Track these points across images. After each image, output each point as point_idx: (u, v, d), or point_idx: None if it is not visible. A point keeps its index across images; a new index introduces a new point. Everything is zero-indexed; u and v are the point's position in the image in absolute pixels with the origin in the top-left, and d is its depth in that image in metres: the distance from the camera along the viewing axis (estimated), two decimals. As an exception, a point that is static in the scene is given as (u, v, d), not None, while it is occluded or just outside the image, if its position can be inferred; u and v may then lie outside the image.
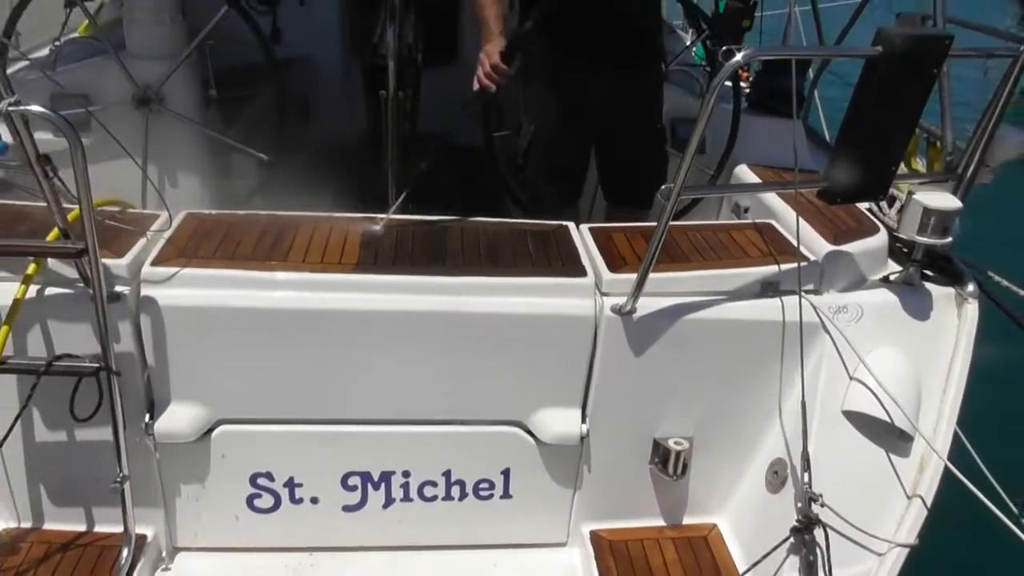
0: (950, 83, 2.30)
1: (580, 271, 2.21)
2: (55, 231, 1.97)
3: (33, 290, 2.02)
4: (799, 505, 2.07)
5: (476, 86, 2.51)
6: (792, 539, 2.04)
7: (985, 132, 2.12)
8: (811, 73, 3.70)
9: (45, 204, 1.91)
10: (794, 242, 2.27)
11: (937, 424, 2.19)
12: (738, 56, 1.85)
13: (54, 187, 1.87)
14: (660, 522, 2.42)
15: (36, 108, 1.76)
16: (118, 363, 2.00)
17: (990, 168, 2.23)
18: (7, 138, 2.58)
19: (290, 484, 2.27)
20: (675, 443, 2.27)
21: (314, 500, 2.30)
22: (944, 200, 2.17)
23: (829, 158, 2.11)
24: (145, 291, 2.05)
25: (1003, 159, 2.23)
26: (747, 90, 3.41)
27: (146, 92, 3.01)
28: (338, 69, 4.56)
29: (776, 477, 2.27)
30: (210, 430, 2.18)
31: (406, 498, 2.31)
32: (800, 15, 4.30)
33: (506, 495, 2.34)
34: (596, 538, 2.37)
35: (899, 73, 1.89)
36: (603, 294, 2.16)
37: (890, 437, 2.17)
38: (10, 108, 1.73)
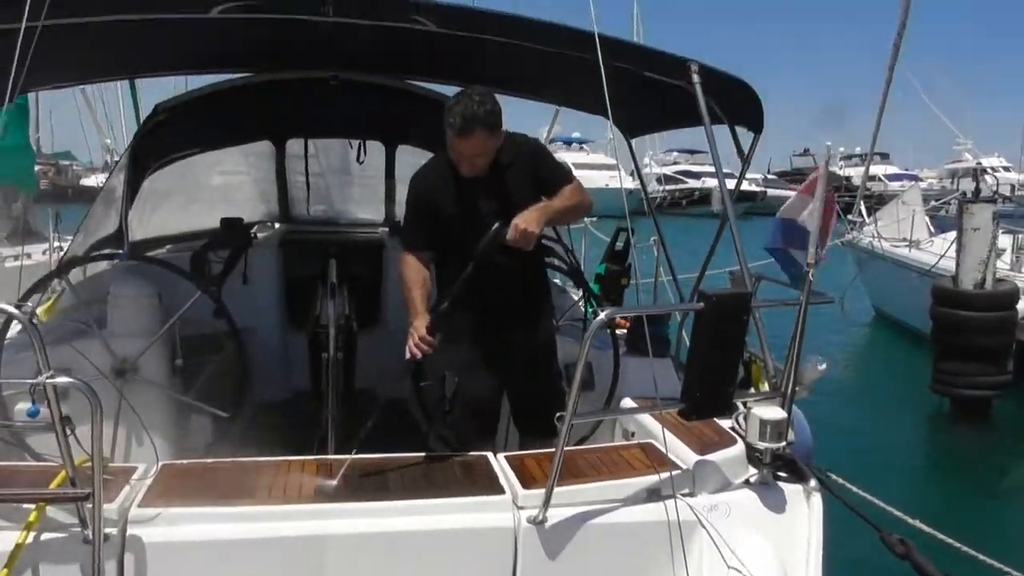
0: (763, 325, 3.07)
1: (499, 490, 2.70)
2: (59, 478, 2.36)
3: (31, 536, 2.35)
4: None
5: (408, 355, 3.06)
6: None
7: (792, 361, 2.84)
8: (678, 319, 4.53)
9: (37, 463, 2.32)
10: (671, 456, 2.84)
11: None
12: (601, 315, 2.54)
13: (68, 443, 2.30)
14: None
15: (67, 380, 2.25)
16: None
17: (804, 386, 2.93)
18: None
19: None
20: (591, 639, 2.64)
21: None
22: (774, 412, 2.83)
23: (682, 386, 2.75)
24: (132, 531, 2.40)
25: (812, 379, 2.94)
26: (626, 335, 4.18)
27: (124, 364, 3.51)
28: (279, 337, 5.16)
29: (679, 657, 2.64)
30: None
31: None
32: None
33: None
34: None
35: (719, 321, 2.61)
36: (519, 508, 2.63)
37: None
38: (47, 380, 2.22)
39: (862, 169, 17.20)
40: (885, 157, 49.26)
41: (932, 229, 13.44)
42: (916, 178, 43.86)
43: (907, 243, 12.74)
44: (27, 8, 2.63)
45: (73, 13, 3.09)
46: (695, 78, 3.46)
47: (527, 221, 2.98)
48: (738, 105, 3.90)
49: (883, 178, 44.38)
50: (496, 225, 2.98)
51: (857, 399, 9.85)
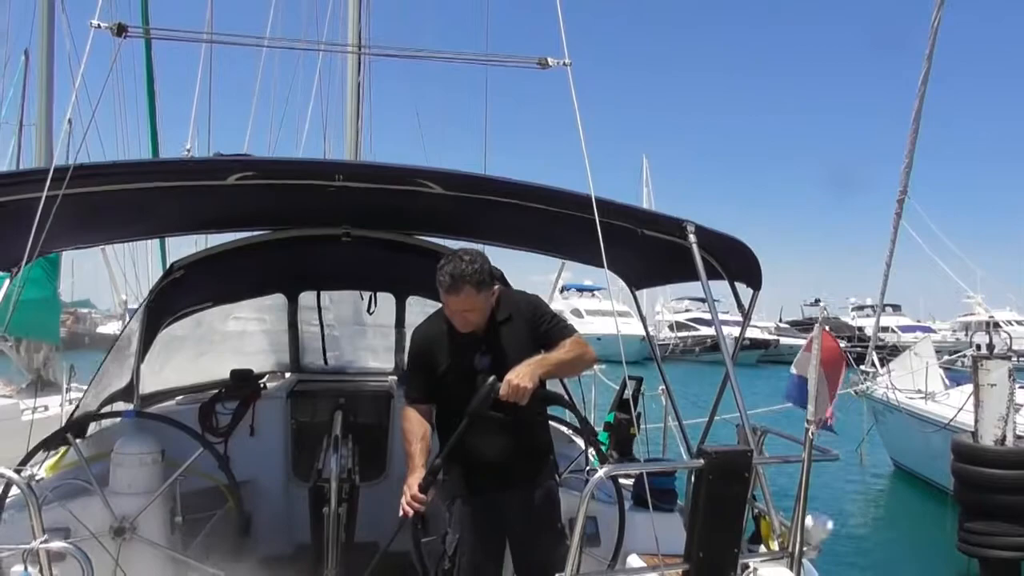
0: (766, 480, 3.04)
1: None
2: None
3: None
4: None
5: (401, 512, 3.09)
6: None
7: (798, 521, 2.79)
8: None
9: None
10: None
11: None
12: (600, 472, 2.54)
13: None
14: None
15: (61, 544, 2.25)
16: None
17: (812, 546, 2.86)
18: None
19: None
20: None
21: None
22: (781, 575, 2.75)
23: (685, 545, 2.70)
24: None
25: (819, 539, 2.87)
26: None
27: (122, 523, 3.48)
28: (283, 490, 5.11)
29: None
30: None
31: None
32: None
33: None
34: None
35: (719, 477, 2.60)
36: None
37: None
38: (40, 546, 2.22)
39: (874, 319, 17.27)
40: (897, 308, 49.56)
41: (947, 381, 13.31)
42: (929, 330, 43.89)
43: (922, 395, 12.59)
44: (49, 179, 2.82)
45: (92, 183, 3.29)
46: (691, 238, 3.60)
47: (520, 376, 3.02)
48: (736, 263, 4.02)
49: (896, 329, 44.43)
50: (490, 380, 3.03)
51: (881, 557, 9.44)
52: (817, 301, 59.35)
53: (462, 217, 4.63)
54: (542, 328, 3.28)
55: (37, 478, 3.78)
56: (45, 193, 2.81)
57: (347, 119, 7.68)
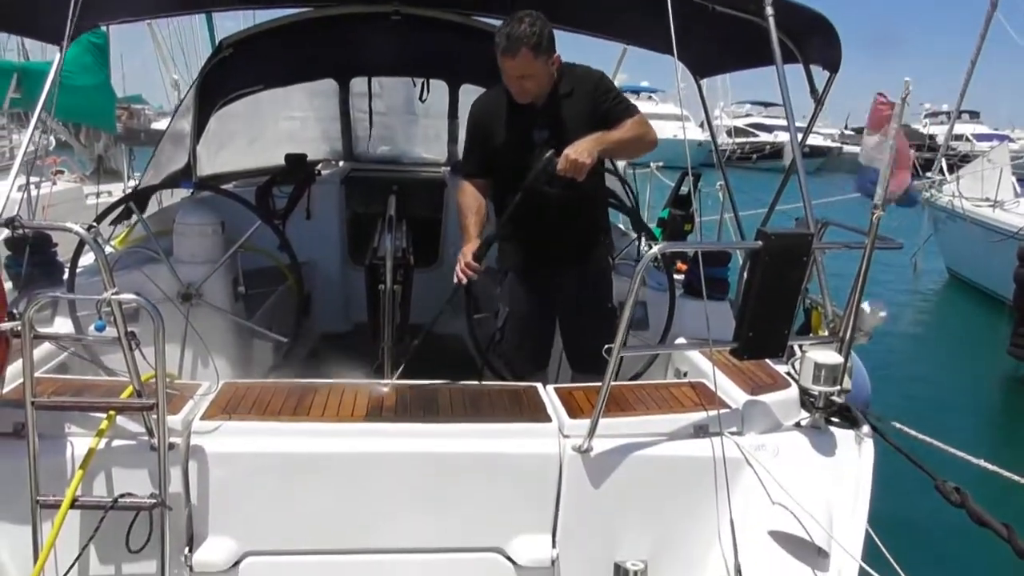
0: (824, 267, 2.98)
1: (546, 418, 2.73)
2: (128, 391, 2.48)
3: (103, 442, 2.50)
4: None
5: (455, 280, 3.15)
6: None
7: (853, 306, 2.76)
8: (740, 260, 4.43)
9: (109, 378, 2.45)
10: (721, 395, 2.82)
11: (848, 540, 2.63)
12: (654, 249, 2.51)
13: (134, 356, 2.41)
14: None
15: (132, 296, 2.34)
16: (168, 501, 2.44)
17: (863, 332, 2.84)
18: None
19: None
20: (632, 565, 2.67)
21: None
22: (829, 357, 2.76)
23: (735, 325, 2.71)
24: (194, 441, 2.53)
25: (872, 325, 2.84)
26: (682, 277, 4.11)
27: (188, 289, 3.65)
28: (340, 272, 5.28)
29: (719, 594, 2.65)
30: (238, 561, 2.57)
31: None
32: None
33: None
34: None
35: (776, 261, 2.55)
36: (565, 436, 2.66)
37: (810, 553, 2.59)
38: (112, 296, 2.32)
39: (948, 127, 16.31)
40: (975, 116, 46.40)
41: (1019, 189, 12.76)
42: (1007, 138, 41.42)
43: (990, 203, 12.14)
44: None
45: None
46: (768, 11, 3.32)
47: (578, 151, 2.93)
48: (813, 41, 3.73)
49: (971, 137, 41.99)
50: (548, 153, 2.95)
51: (927, 356, 9.61)
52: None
53: None
54: (604, 105, 3.14)
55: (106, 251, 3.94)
56: None
57: None
